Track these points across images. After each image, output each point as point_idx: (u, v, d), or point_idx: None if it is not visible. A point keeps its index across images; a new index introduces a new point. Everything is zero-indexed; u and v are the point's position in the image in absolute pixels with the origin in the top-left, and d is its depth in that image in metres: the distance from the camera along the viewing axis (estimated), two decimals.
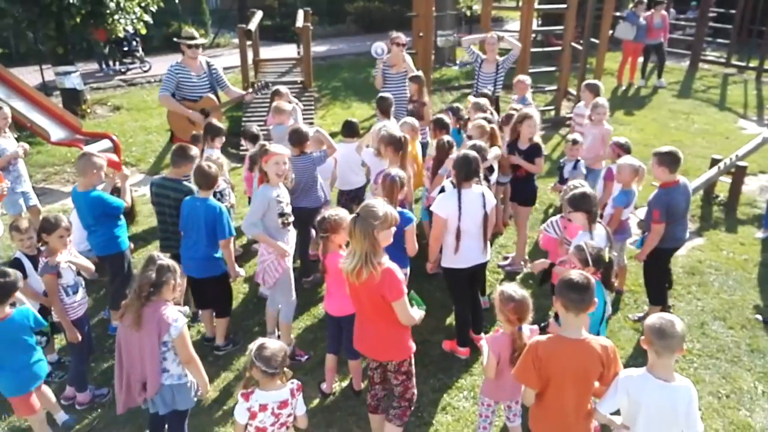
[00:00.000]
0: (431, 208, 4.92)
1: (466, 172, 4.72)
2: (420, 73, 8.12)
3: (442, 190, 5.08)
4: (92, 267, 4.79)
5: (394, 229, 3.70)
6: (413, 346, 3.97)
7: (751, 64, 14.87)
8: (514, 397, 3.97)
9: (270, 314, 5.36)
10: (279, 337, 5.20)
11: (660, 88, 13.73)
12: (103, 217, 5.16)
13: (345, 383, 4.93)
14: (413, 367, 4.01)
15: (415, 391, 4.09)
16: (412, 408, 4.13)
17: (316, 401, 4.79)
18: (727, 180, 8.09)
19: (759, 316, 5.76)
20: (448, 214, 4.73)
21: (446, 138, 5.97)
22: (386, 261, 3.64)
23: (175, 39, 7.32)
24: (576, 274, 3.28)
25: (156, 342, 3.62)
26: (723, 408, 4.70)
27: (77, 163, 5.14)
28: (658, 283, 5.54)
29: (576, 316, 3.19)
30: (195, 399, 3.97)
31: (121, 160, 5.27)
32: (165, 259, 3.72)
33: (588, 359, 3.18)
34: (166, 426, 4.10)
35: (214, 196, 5.62)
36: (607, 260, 3.98)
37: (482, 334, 4.75)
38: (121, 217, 5.37)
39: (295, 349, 5.26)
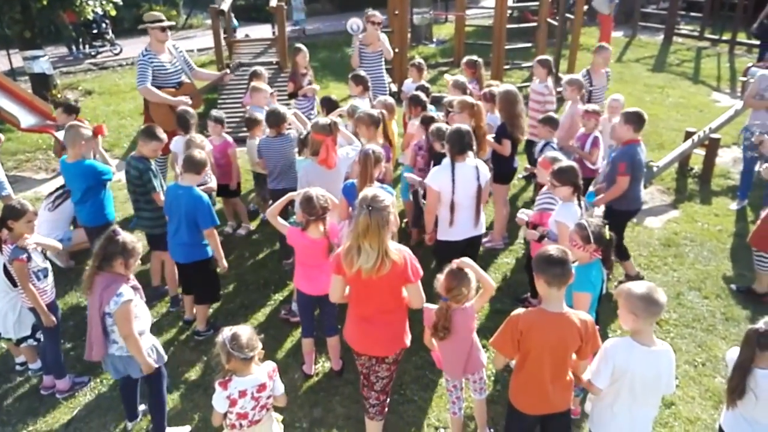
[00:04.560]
0: (425, 181, 4.93)
1: (460, 145, 4.74)
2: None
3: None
4: (59, 246, 4.80)
5: None
6: None
7: (724, 37, 15.00)
8: (475, 370, 4.00)
9: None
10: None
11: None
12: (95, 187, 5.26)
13: (328, 364, 4.94)
14: None
15: None
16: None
17: (299, 383, 4.79)
18: (701, 152, 8.19)
19: (734, 286, 5.87)
20: (441, 187, 4.75)
21: (430, 114, 6.00)
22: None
23: (140, 26, 7.07)
24: (554, 249, 3.29)
25: (97, 310, 3.78)
26: (699, 376, 4.80)
27: (65, 135, 5.23)
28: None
29: (558, 290, 3.22)
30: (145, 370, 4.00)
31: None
32: (121, 236, 3.87)
33: (567, 332, 3.22)
34: (147, 393, 4.25)
35: None
36: (608, 238, 3.92)
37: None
38: (109, 188, 5.44)
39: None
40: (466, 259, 3.75)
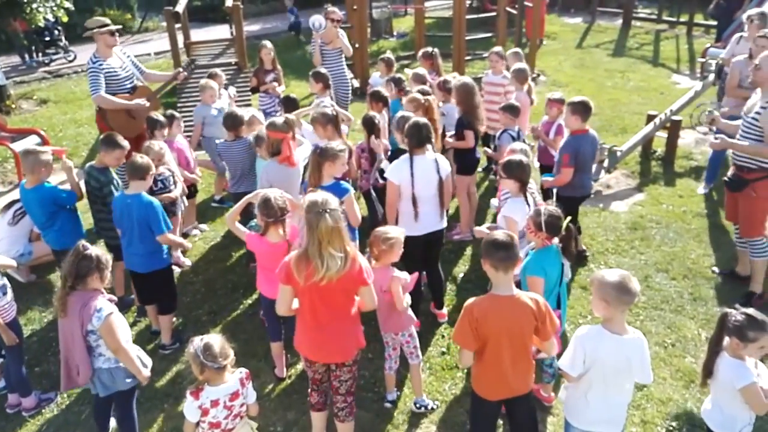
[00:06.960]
0: (385, 174, 4.92)
1: (418, 138, 4.71)
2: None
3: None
4: (14, 263, 4.63)
5: None
6: None
7: (682, 19, 15.24)
8: (396, 330, 4.24)
9: None
10: None
11: None
12: (58, 211, 5.11)
13: (300, 366, 4.87)
14: None
15: None
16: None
17: (271, 386, 4.73)
18: (663, 135, 8.29)
19: (715, 269, 5.89)
20: (401, 180, 4.71)
21: (372, 114, 5.93)
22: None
23: (86, 34, 6.68)
24: (499, 233, 3.34)
25: (79, 331, 3.61)
26: (669, 357, 4.85)
27: (23, 160, 5.05)
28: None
29: (505, 274, 3.25)
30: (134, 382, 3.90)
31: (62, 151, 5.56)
32: (91, 250, 3.71)
33: (521, 314, 3.24)
34: (113, 406, 4.11)
35: (155, 183, 5.43)
36: (564, 229, 3.94)
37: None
38: (76, 209, 5.31)
39: None
40: None
